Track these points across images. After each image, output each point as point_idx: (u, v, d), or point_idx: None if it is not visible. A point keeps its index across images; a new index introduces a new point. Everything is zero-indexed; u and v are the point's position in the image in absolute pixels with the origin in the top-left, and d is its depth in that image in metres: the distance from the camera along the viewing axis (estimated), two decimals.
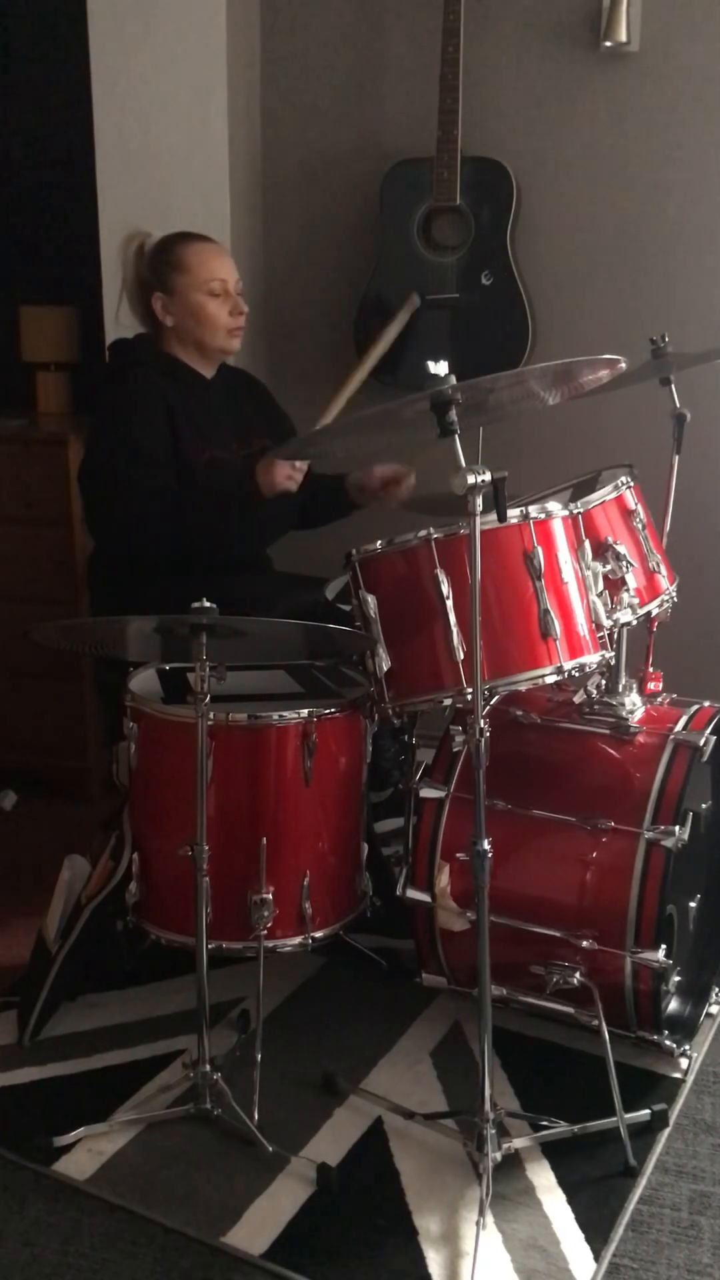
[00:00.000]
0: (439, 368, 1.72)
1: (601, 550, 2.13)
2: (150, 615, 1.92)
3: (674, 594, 2.28)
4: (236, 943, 2.14)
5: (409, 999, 2.35)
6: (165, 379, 2.64)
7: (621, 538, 2.17)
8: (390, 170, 3.24)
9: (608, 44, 3.05)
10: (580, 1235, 1.81)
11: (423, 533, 2.00)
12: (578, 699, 2.27)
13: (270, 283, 3.53)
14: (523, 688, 2.02)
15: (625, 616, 2.14)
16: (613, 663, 2.20)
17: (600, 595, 2.10)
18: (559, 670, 2.01)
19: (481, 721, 1.80)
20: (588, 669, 2.07)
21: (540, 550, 2.00)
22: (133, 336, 2.74)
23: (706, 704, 2.25)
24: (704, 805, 2.27)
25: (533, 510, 2.01)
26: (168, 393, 2.61)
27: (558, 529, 2.05)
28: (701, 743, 2.09)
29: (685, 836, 2.02)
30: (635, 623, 2.17)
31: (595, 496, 2.16)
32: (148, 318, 2.70)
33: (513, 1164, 1.93)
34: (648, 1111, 2.01)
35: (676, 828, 2.01)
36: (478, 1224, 1.80)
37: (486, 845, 1.81)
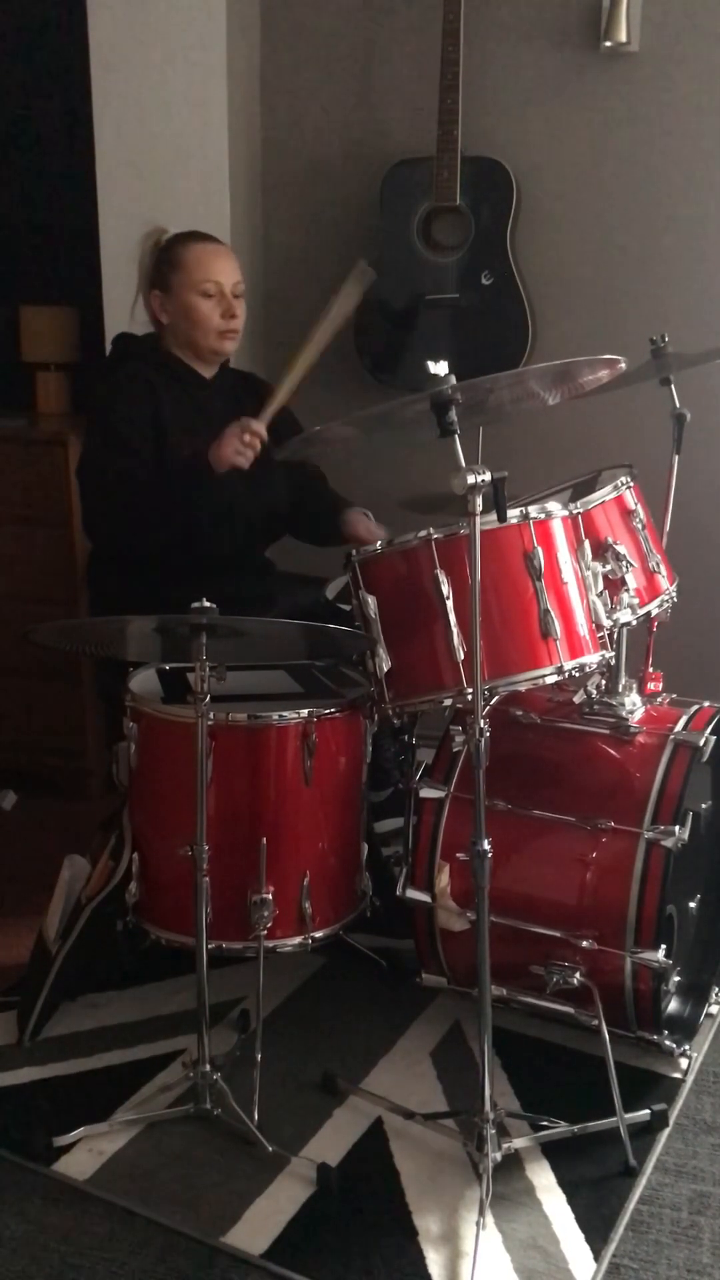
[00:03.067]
0: (439, 368, 1.72)
1: (601, 550, 2.13)
2: (150, 615, 1.93)
3: (674, 594, 2.28)
4: (236, 943, 2.14)
5: (409, 999, 2.35)
6: (160, 375, 2.64)
7: (621, 538, 2.17)
8: (390, 170, 3.24)
9: (608, 44, 3.04)
10: (580, 1235, 1.81)
11: (423, 533, 2.00)
12: (578, 699, 2.27)
13: (270, 283, 3.53)
14: (523, 688, 2.02)
15: (625, 616, 2.14)
16: (613, 663, 2.20)
17: (600, 595, 2.10)
18: (559, 670, 2.01)
19: (481, 721, 1.80)
20: (588, 669, 2.07)
21: (540, 550, 2.00)
22: (141, 334, 2.74)
23: (706, 704, 2.25)
24: (704, 805, 2.27)
25: (533, 510, 2.01)
26: (158, 388, 2.62)
27: (558, 529, 2.05)
28: (701, 743, 2.09)
29: (685, 836, 2.02)
30: (635, 623, 2.17)
31: (595, 496, 2.16)
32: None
33: (513, 1164, 1.93)
34: (648, 1111, 2.01)
35: (676, 828, 2.01)
36: (478, 1224, 1.80)
37: (486, 845, 1.81)
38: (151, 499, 2.50)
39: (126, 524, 2.52)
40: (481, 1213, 1.81)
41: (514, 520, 1.98)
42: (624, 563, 2.13)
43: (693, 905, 2.27)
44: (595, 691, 2.26)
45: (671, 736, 2.12)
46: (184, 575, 2.46)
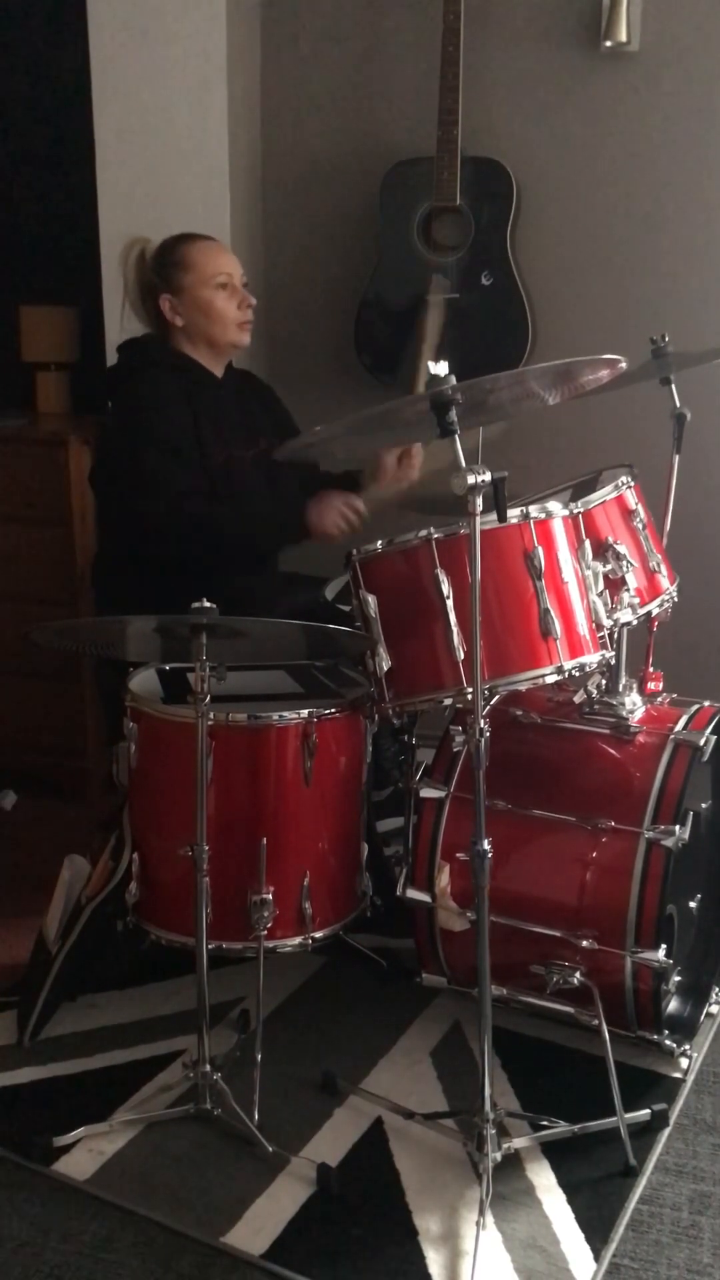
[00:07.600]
0: (439, 368, 1.72)
1: (602, 550, 2.13)
2: (150, 615, 1.92)
3: (674, 594, 2.27)
4: (236, 943, 2.14)
5: (409, 999, 2.35)
6: (181, 378, 2.64)
7: (622, 537, 2.17)
8: (390, 170, 3.24)
9: (608, 44, 3.05)
10: (580, 1235, 1.81)
11: (423, 533, 2.00)
12: (578, 699, 2.27)
13: (270, 283, 3.53)
14: (523, 688, 2.02)
15: (625, 616, 2.14)
16: (613, 663, 2.20)
17: (600, 595, 2.10)
18: (559, 670, 2.01)
19: (481, 721, 1.80)
20: (588, 669, 2.07)
21: (540, 550, 2.00)
22: (141, 336, 2.74)
23: (706, 704, 2.25)
24: (704, 805, 2.27)
25: (533, 510, 2.01)
26: (187, 391, 2.62)
27: (558, 529, 2.05)
28: (701, 742, 2.09)
29: (685, 836, 2.02)
30: (635, 622, 2.17)
31: (595, 496, 2.16)
32: (154, 321, 2.70)
33: (513, 1164, 1.93)
34: (648, 1111, 2.01)
35: (676, 827, 2.01)
36: (478, 1224, 1.80)
37: (486, 845, 1.81)
38: (217, 518, 2.51)
39: (182, 535, 2.49)
40: (481, 1213, 1.81)
41: (514, 520, 1.98)
42: (624, 562, 2.13)
43: (693, 905, 2.27)
44: (595, 691, 2.26)
45: (672, 736, 2.12)
46: (186, 575, 2.47)
